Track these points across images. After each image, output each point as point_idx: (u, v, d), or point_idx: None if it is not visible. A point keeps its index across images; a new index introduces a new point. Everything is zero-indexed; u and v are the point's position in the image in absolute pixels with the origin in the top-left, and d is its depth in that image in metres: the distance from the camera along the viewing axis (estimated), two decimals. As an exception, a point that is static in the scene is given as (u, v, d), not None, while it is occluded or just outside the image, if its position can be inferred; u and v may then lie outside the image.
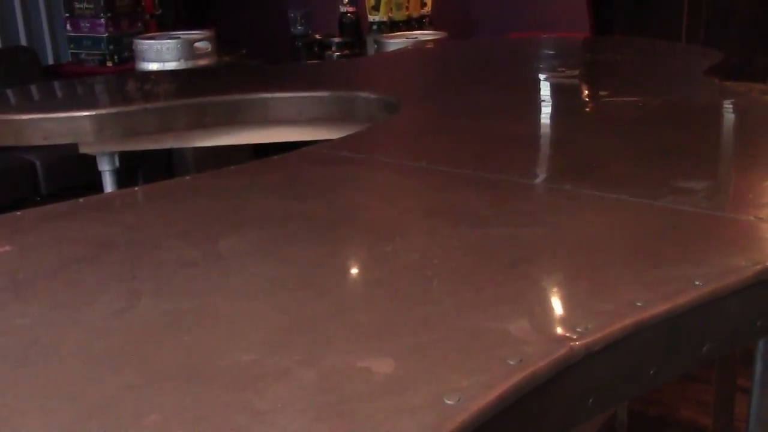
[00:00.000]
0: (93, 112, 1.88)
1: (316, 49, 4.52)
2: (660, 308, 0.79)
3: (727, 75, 3.09)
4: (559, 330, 0.75)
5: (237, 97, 1.99)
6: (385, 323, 0.78)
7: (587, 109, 1.85)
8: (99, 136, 1.90)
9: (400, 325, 0.77)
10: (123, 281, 0.90)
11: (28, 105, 2.17)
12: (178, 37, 3.73)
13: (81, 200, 1.19)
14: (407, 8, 4.44)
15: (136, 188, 1.26)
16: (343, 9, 4.56)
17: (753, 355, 1.79)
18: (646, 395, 2.37)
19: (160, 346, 0.75)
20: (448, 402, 0.64)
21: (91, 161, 2.10)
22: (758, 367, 1.75)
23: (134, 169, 3.68)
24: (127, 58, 4.34)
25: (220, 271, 0.92)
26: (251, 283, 0.88)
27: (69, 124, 1.87)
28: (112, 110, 1.92)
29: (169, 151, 3.94)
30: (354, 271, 0.95)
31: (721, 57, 2.33)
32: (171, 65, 3.62)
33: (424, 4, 4.54)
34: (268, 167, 1.33)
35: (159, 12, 4.88)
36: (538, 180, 1.26)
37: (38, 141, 1.91)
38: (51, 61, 4.83)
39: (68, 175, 3.64)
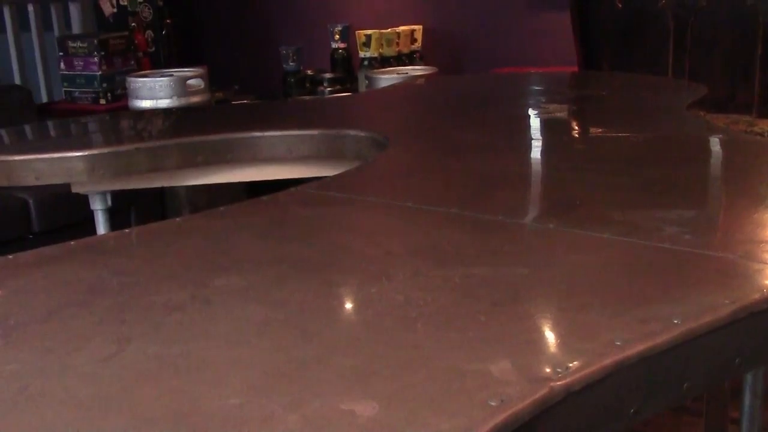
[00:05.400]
0: (85, 153, 1.90)
1: (308, 84, 4.57)
2: (639, 347, 0.81)
3: (712, 108, 3.13)
4: (540, 370, 0.77)
5: (227, 136, 2.02)
6: (370, 366, 0.79)
7: (573, 146, 1.88)
8: (91, 176, 1.92)
9: (384, 368, 0.79)
10: (112, 326, 0.91)
11: (21, 145, 2.19)
12: (171, 75, 3.77)
13: (72, 243, 1.21)
14: (398, 44, 4.49)
15: (127, 230, 1.28)
16: (334, 45, 4.62)
17: (742, 387, 1.80)
18: (639, 428, 2.38)
19: (148, 391, 0.76)
20: (430, 445, 0.65)
21: (84, 199, 2.11)
22: (746, 399, 1.77)
23: (127, 207, 3.70)
24: (120, 95, 4.37)
25: (208, 315, 0.93)
26: (238, 328, 0.89)
27: (61, 164, 1.89)
28: (104, 150, 1.94)
29: (162, 189, 3.96)
30: (340, 313, 0.97)
31: (705, 91, 2.37)
32: (164, 102, 3.66)
33: (414, 40, 4.60)
34: (257, 208, 1.35)
35: (152, 50, 4.94)
36: (523, 219, 1.28)
37: (31, 181, 1.93)
38: (45, 99, 4.86)
39: (61, 214, 3.65)
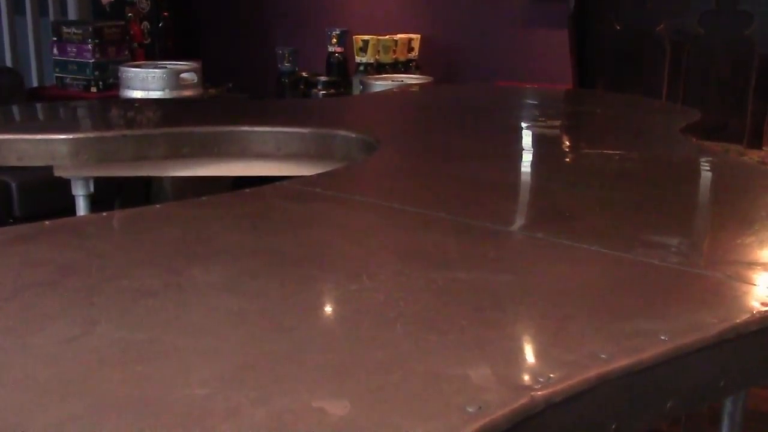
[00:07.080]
0: (69, 136, 1.86)
1: (302, 86, 4.54)
2: (623, 362, 0.78)
3: (704, 136, 3.13)
4: (521, 379, 0.74)
5: (215, 129, 1.98)
6: (344, 364, 0.76)
7: (565, 160, 1.86)
8: (74, 161, 1.88)
9: (358, 367, 0.75)
10: (79, 308, 0.88)
11: (5, 125, 2.15)
12: (165, 67, 3.73)
13: (47, 223, 1.17)
14: (394, 52, 4.47)
15: (104, 214, 1.24)
16: (331, 49, 4.59)
17: (720, 414, 1.78)
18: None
19: (110, 375, 0.73)
20: (401, 448, 0.62)
21: (67, 186, 2.07)
22: (725, 426, 1.74)
23: (111, 196, 3.65)
24: (112, 84, 4.33)
25: (180, 302, 0.90)
26: (211, 317, 0.86)
27: (44, 146, 1.86)
28: (89, 135, 1.90)
29: (148, 181, 3.92)
30: (317, 309, 0.93)
31: (698, 116, 2.35)
32: (155, 94, 3.62)
33: (411, 49, 4.58)
34: (240, 200, 1.31)
35: (147, 41, 4.89)
36: (511, 227, 1.25)
37: (12, 162, 1.89)
38: (35, 84, 4.81)
39: (44, 199, 3.59)
